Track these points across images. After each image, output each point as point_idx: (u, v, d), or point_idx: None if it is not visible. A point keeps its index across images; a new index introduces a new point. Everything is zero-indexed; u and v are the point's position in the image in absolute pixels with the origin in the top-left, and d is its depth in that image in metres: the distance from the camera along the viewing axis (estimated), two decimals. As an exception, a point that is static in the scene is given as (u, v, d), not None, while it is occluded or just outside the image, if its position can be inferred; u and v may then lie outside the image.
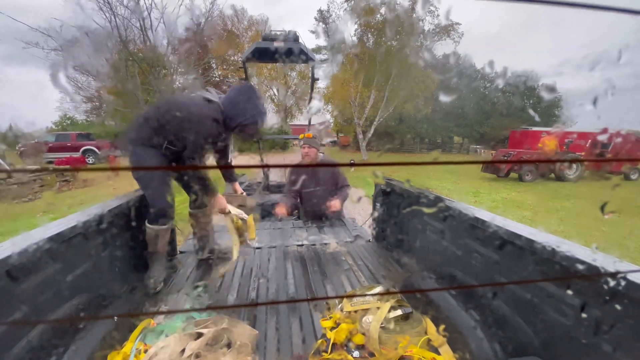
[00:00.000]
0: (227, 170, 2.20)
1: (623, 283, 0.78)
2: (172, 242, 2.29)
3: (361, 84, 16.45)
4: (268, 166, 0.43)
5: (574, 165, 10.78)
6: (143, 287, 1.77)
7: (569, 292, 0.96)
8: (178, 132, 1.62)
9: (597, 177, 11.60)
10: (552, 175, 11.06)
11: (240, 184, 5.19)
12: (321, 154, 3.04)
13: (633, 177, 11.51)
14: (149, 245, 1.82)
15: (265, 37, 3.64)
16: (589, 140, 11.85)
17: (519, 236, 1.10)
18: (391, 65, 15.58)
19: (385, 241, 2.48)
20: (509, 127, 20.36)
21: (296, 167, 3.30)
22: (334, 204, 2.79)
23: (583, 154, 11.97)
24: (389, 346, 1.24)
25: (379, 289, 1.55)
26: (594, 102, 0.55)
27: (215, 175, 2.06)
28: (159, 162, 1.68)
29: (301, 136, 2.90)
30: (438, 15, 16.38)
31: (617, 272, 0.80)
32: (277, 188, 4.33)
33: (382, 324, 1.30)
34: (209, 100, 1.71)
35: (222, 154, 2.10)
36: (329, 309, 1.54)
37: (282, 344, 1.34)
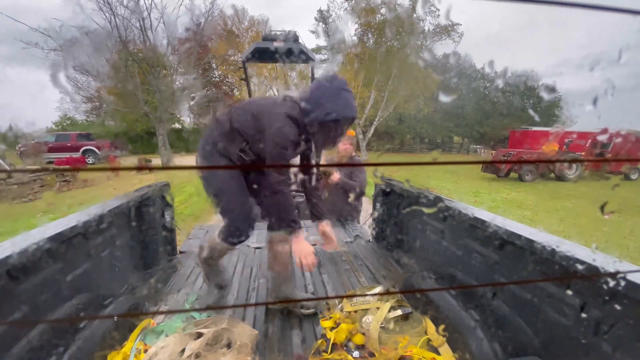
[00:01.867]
0: (317, 207, 1.61)
1: (623, 283, 0.78)
2: (172, 242, 2.30)
3: (361, 84, 16.44)
4: (270, 166, 0.43)
5: (574, 165, 10.78)
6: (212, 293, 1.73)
7: (569, 292, 0.96)
8: (248, 134, 1.36)
9: (597, 177, 11.61)
10: (552, 175, 11.07)
11: None
12: (356, 157, 3.11)
13: (633, 177, 11.52)
14: (208, 257, 1.62)
15: (265, 37, 3.64)
16: (589, 140, 11.85)
17: (519, 236, 1.10)
18: (391, 65, 15.58)
19: (385, 241, 2.47)
20: (509, 127, 20.37)
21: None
22: (335, 175, 2.77)
23: (583, 153, 11.98)
24: (389, 346, 1.25)
25: (379, 289, 1.55)
26: (594, 102, 0.55)
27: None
28: (231, 174, 1.41)
29: None
30: (438, 15, 16.39)
31: (617, 272, 0.80)
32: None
33: (382, 324, 1.30)
34: (287, 98, 1.40)
35: (304, 166, 1.66)
36: (329, 309, 1.54)
37: (282, 344, 1.34)
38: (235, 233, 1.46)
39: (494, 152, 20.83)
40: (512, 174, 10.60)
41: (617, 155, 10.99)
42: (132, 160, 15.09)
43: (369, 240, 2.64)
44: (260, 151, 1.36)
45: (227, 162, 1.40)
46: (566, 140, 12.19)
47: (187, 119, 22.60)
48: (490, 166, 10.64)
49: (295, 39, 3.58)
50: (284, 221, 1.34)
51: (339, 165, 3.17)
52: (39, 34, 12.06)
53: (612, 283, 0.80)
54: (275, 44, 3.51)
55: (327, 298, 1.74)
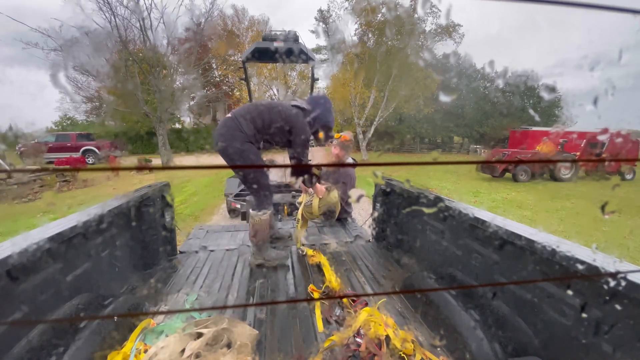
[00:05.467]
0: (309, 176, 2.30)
1: (623, 283, 0.78)
2: (172, 242, 2.30)
3: (361, 84, 16.44)
4: (268, 166, 0.43)
5: (569, 166, 10.77)
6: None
7: (569, 292, 0.96)
8: (275, 132, 1.98)
9: (597, 177, 11.60)
10: (546, 175, 11.06)
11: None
12: (349, 159, 3.04)
13: (628, 177, 11.51)
14: (260, 233, 2.06)
15: (265, 37, 3.64)
16: (584, 141, 11.82)
17: (519, 236, 1.10)
18: (391, 65, 15.58)
19: (385, 241, 2.47)
20: (509, 127, 20.36)
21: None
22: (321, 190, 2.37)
23: (578, 153, 11.95)
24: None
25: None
26: (594, 102, 0.55)
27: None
28: (258, 155, 2.01)
29: (337, 135, 2.88)
30: (439, 15, 16.37)
31: (617, 272, 0.80)
32: (277, 188, 4.34)
33: None
34: (303, 109, 2.06)
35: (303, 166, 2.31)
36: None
37: (282, 344, 1.34)
38: (269, 197, 2.09)
39: (486, 151, 20.83)
40: (507, 174, 10.59)
41: (613, 155, 10.97)
42: (132, 160, 15.09)
43: (369, 240, 2.64)
44: (277, 140, 2.04)
45: (255, 148, 1.97)
46: (561, 140, 12.14)
47: (187, 119, 22.63)
48: (486, 166, 10.63)
49: (295, 39, 3.58)
50: (312, 177, 2.24)
51: (333, 165, 3.13)
52: (39, 34, 12.09)
53: (612, 283, 0.80)
54: (276, 44, 3.51)
55: (327, 298, 1.74)
